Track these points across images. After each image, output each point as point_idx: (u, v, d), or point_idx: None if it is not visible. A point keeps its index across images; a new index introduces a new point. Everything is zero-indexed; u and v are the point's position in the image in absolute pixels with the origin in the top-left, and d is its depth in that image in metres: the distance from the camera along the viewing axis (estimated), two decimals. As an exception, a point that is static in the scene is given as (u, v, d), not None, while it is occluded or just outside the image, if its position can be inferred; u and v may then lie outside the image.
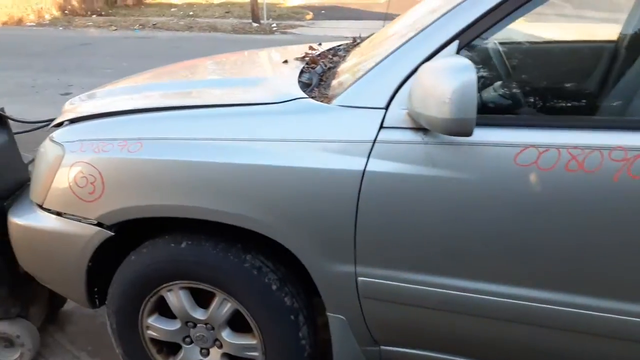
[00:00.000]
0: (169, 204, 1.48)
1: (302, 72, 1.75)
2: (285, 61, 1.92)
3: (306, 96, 1.47)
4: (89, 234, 1.61)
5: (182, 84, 1.87)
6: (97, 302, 1.80)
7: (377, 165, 1.32)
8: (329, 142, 1.36)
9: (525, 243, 1.25)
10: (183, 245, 1.57)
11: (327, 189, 1.36)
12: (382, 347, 1.57)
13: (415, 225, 1.32)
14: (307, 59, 1.92)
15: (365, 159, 1.32)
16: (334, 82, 1.58)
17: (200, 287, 1.60)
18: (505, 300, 1.31)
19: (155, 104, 1.65)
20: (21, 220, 1.74)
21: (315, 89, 1.58)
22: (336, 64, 1.79)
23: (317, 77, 1.65)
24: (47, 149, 1.67)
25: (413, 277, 1.37)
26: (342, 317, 1.50)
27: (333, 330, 1.53)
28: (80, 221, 1.62)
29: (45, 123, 2.14)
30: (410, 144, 1.30)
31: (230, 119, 1.48)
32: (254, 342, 1.62)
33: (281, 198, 1.40)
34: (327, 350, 1.61)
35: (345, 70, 1.64)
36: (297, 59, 1.93)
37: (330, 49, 2.08)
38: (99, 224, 1.59)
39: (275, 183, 1.39)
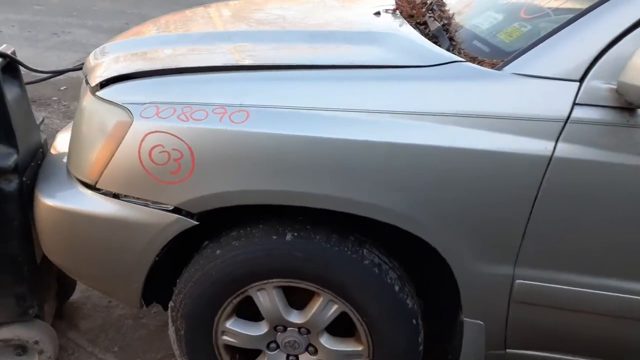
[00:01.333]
0: (288, 190, 1.17)
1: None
2: (377, 13, 1.60)
3: (463, 59, 1.20)
4: (163, 222, 1.26)
5: (266, 35, 1.48)
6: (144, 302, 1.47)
7: (568, 150, 1.09)
8: (503, 119, 1.11)
9: None
10: (288, 237, 1.27)
11: (498, 177, 1.12)
12: (508, 351, 1.39)
13: (608, 221, 1.12)
14: (397, 11, 1.62)
15: (553, 142, 1.09)
16: (477, 44, 1.31)
17: (301, 286, 1.32)
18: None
19: (247, 60, 1.30)
20: (57, 201, 1.34)
21: (452, 49, 1.30)
22: (449, 20, 1.51)
23: (444, 36, 1.36)
24: (99, 112, 1.28)
25: (588, 281, 1.18)
26: (480, 322, 1.29)
27: (467, 336, 1.32)
28: (147, 206, 1.26)
29: (57, 73, 1.69)
30: (611, 125, 1.08)
31: (371, 85, 1.18)
32: (359, 348, 1.38)
33: (434, 185, 1.14)
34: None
35: (488, 29, 1.36)
36: (387, 11, 1.62)
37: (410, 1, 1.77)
38: (176, 211, 1.25)
39: (429, 166, 1.13)
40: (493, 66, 1.17)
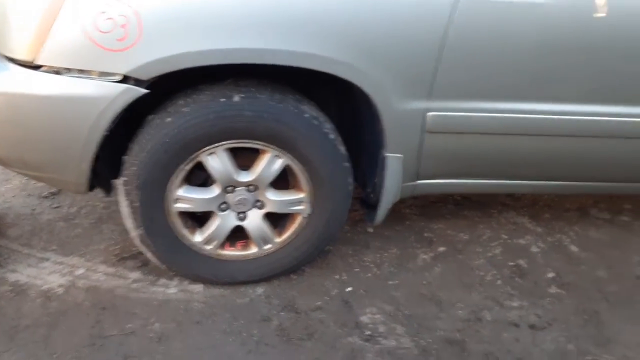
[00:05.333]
0: (237, 47, 1.28)
1: None
2: None
3: None
4: (111, 94, 1.30)
5: None
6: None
7: None
8: None
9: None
10: (236, 98, 1.40)
11: (413, 15, 1.33)
12: (419, 182, 1.70)
13: (508, 49, 1.40)
14: None
15: None
16: None
17: (248, 145, 1.47)
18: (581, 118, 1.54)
19: None
20: (-7, 86, 1.30)
21: None
22: None
23: None
24: (27, -16, 1.24)
25: (488, 106, 1.49)
26: (400, 155, 1.57)
27: (389, 169, 1.58)
28: (93, 79, 1.30)
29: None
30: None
31: None
32: (302, 195, 1.59)
33: (360, 28, 1.33)
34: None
35: None
36: None
37: None
38: (124, 81, 1.30)
39: (353, 11, 1.31)
40: None
